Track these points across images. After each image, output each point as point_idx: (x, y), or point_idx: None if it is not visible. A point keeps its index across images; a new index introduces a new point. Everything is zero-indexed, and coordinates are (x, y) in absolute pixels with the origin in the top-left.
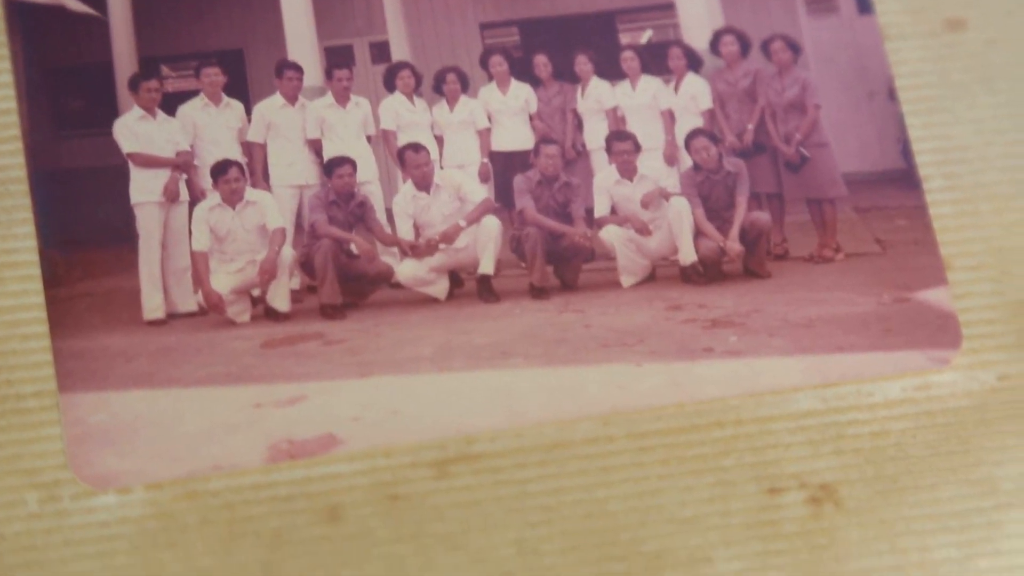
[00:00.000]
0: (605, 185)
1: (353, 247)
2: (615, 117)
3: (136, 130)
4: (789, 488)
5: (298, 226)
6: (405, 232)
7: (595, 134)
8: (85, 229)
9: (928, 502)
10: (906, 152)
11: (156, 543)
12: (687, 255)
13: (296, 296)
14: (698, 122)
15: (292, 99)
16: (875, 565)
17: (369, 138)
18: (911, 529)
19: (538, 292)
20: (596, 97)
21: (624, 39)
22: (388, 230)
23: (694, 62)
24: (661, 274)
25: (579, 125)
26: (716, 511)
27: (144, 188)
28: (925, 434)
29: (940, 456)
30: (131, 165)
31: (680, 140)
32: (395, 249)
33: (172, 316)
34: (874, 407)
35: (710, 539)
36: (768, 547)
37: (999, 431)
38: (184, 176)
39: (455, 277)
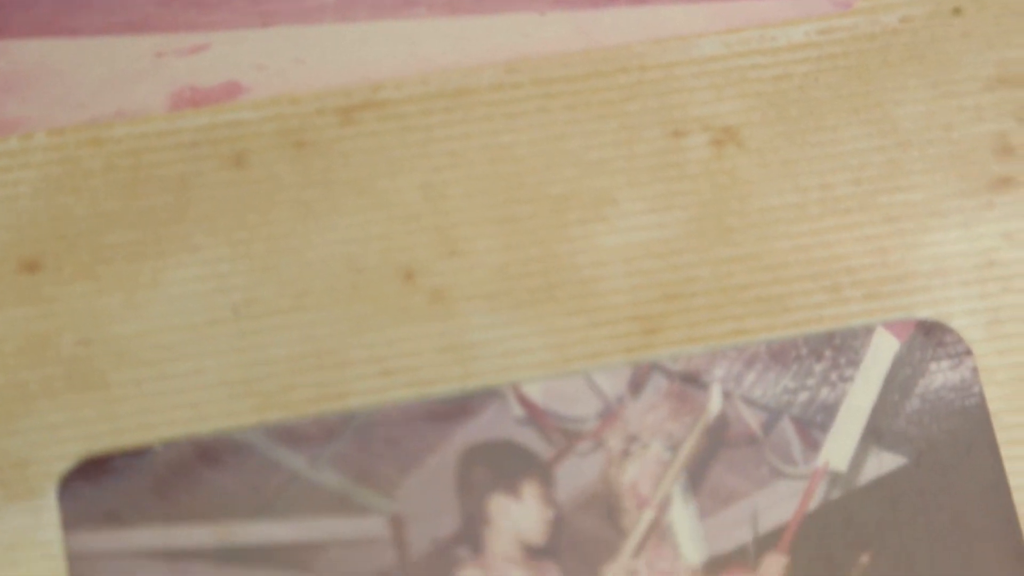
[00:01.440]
0: None
1: None
2: None
3: None
4: (692, 131)
5: None
6: None
7: None
8: None
9: (829, 142)
10: None
11: (60, 188)
12: None
13: None
14: None
15: None
16: (777, 203)
17: None
18: (812, 168)
19: None
20: None
21: None
22: None
23: None
24: None
25: None
26: (621, 154)
27: None
28: (827, 76)
29: (842, 98)
30: None
31: None
32: None
33: None
34: (777, 51)
35: (615, 181)
36: (672, 188)
37: (900, 72)
38: None
39: None
